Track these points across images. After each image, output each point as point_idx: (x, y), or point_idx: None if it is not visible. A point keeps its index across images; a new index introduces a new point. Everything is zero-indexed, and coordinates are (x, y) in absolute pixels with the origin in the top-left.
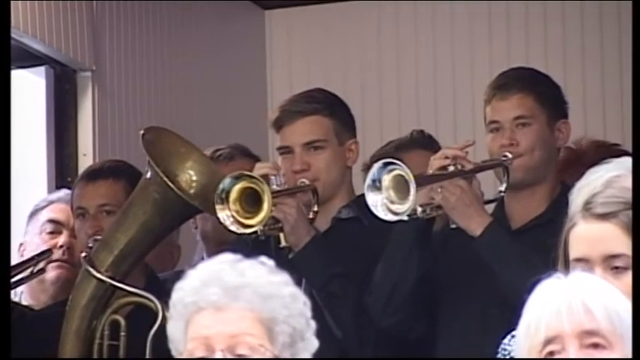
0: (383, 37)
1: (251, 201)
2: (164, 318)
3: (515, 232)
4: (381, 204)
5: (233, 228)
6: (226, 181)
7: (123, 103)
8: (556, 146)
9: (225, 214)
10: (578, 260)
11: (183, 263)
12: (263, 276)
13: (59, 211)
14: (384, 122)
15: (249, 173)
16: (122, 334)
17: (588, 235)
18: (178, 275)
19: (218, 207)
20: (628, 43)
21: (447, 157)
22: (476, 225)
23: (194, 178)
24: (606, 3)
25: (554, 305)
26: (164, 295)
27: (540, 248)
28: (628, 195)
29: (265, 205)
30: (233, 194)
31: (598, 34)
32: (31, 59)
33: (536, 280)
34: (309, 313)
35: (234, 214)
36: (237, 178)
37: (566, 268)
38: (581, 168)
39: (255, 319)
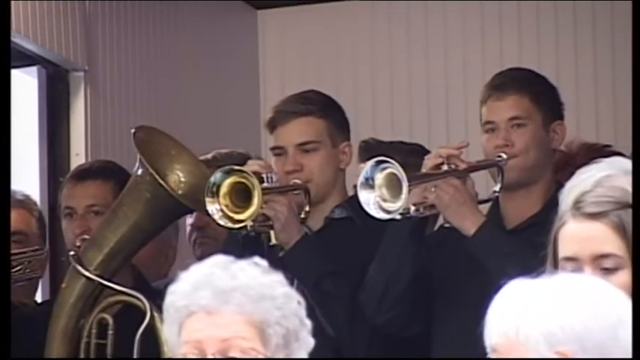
0: (376, 37)
1: (241, 197)
2: (152, 317)
3: (510, 232)
4: (373, 202)
5: (222, 222)
6: (217, 175)
7: (115, 103)
8: (551, 147)
9: (214, 208)
10: (568, 259)
11: (178, 264)
12: (255, 277)
13: None
14: (377, 123)
15: (239, 168)
16: (110, 333)
17: (578, 235)
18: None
19: (208, 200)
20: (621, 42)
21: (440, 157)
22: (469, 224)
23: (182, 179)
24: (599, 2)
25: (505, 311)
26: (153, 297)
27: (535, 248)
28: (618, 194)
29: (255, 200)
30: (223, 188)
31: (590, 33)
32: (24, 59)
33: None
34: (303, 313)
35: (224, 208)
36: (228, 173)
37: (555, 266)
38: (572, 170)
39: (246, 322)
